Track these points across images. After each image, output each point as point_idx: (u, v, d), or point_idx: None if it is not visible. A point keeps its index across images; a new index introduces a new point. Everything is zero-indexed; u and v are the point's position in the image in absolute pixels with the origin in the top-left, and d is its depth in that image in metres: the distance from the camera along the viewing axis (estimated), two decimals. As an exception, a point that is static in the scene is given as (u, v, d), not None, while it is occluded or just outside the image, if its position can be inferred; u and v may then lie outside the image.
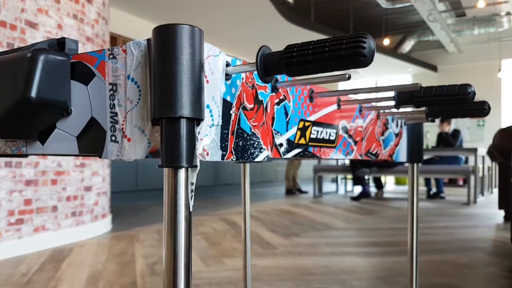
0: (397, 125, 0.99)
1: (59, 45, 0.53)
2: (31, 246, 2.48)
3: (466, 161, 6.60)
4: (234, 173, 7.64)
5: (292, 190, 7.07)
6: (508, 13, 7.35)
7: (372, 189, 7.06)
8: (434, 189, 6.53)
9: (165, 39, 0.42)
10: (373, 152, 0.88)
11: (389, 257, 2.41)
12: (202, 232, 3.18)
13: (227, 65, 0.51)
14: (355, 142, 0.82)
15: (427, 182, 6.56)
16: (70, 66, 0.51)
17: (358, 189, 7.13)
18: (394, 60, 8.81)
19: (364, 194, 5.99)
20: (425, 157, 6.80)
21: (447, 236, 3.09)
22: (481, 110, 0.77)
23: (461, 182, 8.53)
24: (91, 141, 0.50)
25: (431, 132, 9.68)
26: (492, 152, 3.06)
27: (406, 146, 1.05)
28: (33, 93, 0.47)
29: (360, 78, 10.76)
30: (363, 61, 0.42)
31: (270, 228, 3.37)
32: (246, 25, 6.82)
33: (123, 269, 2.09)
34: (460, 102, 0.69)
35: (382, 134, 0.92)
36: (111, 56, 0.48)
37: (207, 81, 0.47)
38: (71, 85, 0.52)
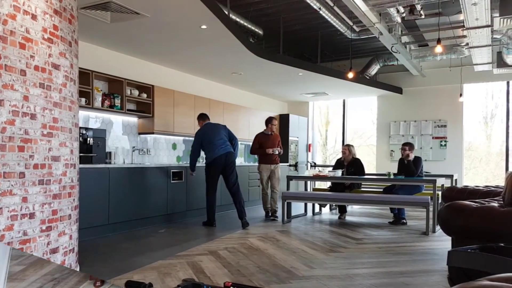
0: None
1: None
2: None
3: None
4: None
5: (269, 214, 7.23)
6: (467, 44, 7.72)
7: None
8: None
9: None
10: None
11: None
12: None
13: None
14: None
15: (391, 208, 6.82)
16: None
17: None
18: (361, 85, 9.11)
19: None
20: (387, 184, 7.07)
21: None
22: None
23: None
24: None
25: (396, 151, 10.01)
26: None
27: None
28: None
29: (329, 99, 11.02)
30: None
31: (237, 279, 3.50)
32: (219, 57, 6.95)
33: None
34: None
35: None
36: None
37: None
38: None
